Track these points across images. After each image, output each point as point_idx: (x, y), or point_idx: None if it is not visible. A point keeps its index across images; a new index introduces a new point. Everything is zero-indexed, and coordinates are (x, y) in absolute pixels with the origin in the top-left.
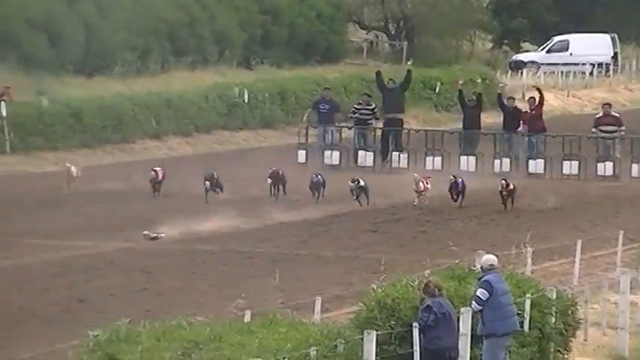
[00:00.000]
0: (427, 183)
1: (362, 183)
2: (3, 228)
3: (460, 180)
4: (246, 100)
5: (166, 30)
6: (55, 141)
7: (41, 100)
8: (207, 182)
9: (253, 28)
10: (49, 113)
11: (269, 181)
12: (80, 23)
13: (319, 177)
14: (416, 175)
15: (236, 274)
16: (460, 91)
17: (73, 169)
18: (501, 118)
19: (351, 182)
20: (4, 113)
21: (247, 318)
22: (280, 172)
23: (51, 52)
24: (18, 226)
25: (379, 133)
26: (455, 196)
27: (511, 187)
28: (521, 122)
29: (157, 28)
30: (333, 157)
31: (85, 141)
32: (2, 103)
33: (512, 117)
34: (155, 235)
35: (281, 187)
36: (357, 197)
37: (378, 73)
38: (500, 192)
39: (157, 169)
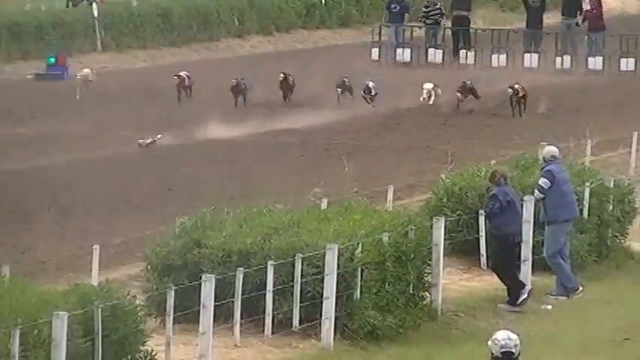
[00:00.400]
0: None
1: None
2: (100, 121)
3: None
4: (323, 2)
5: None
6: (144, 39)
7: (131, 0)
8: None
9: None
10: (138, 13)
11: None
12: None
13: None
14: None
15: (314, 164)
16: None
17: (87, 71)
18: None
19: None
20: (96, 14)
21: (324, 205)
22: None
23: None
24: (114, 119)
25: (448, 32)
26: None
27: (520, 94)
28: (582, 20)
29: None
30: (404, 54)
31: (172, 40)
32: (94, 4)
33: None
34: (150, 140)
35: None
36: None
37: None
38: (510, 98)
39: (182, 73)
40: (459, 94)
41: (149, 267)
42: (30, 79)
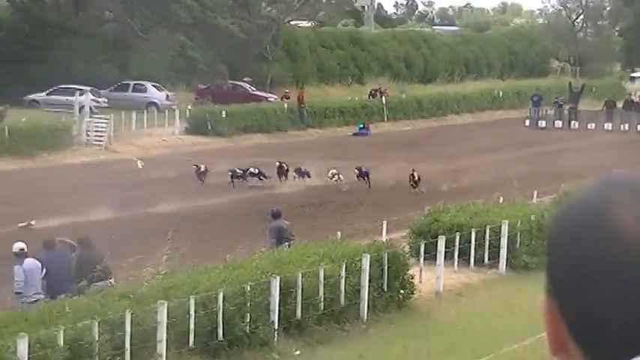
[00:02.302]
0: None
1: None
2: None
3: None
4: (500, 93)
5: None
6: (408, 114)
7: (402, 94)
8: None
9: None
10: (406, 101)
11: None
12: None
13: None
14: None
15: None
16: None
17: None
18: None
19: None
20: (384, 101)
21: None
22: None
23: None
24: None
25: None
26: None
27: (416, 177)
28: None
29: None
30: (541, 123)
31: (432, 112)
32: (383, 97)
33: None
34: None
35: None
36: None
37: (570, 83)
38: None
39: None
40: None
41: None
42: (350, 137)
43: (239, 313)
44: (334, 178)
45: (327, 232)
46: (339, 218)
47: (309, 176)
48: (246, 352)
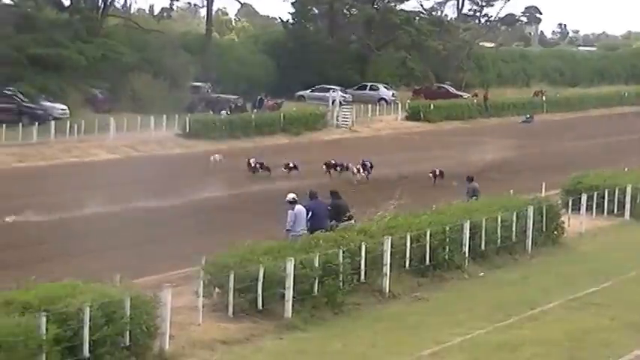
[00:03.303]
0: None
1: None
2: None
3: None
4: (626, 94)
5: None
6: (561, 108)
7: (557, 94)
8: None
9: None
10: (559, 99)
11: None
12: None
13: None
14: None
15: None
16: None
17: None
18: None
19: None
20: (544, 99)
21: None
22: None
23: None
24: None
25: None
26: None
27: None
28: None
29: None
30: None
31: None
32: (543, 96)
33: None
34: None
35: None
36: None
37: None
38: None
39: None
40: None
41: None
42: (519, 123)
43: (441, 245)
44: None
45: (505, 189)
46: (512, 179)
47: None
48: (445, 273)
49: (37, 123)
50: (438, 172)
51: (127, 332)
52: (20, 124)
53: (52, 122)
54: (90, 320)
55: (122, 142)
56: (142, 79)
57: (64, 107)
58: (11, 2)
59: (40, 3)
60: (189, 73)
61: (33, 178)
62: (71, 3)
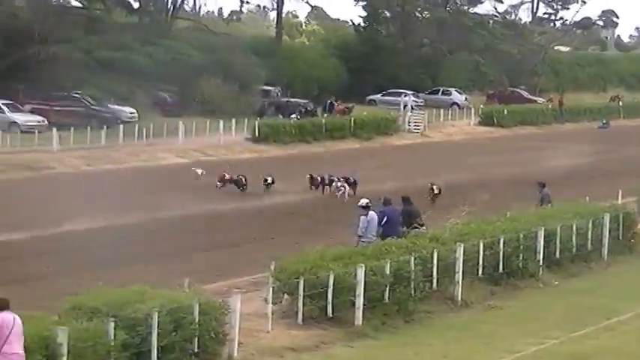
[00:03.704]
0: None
1: None
2: None
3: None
4: None
5: None
6: (638, 114)
7: (634, 99)
8: None
9: None
10: (636, 105)
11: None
12: None
13: None
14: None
15: None
16: None
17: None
18: None
19: None
20: (620, 104)
21: None
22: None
23: None
24: None
25: None
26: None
27: (436, 191)
28: None
29: None
30: None
31: None
32: (619, 101)
33: None
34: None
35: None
36: None
37: None
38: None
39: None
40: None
41: None
42: (595, 129)
43: (515, 253)
44: None
45: (579, 196)
46: (587, 185)
47: None
48: (519, 281)
49: (105, 126)
50: (437, 190)
51: (196, 338)
52: (89, 128)
53: (121, 126)
54: (158, 326)
55: (191, 146)
56: (211, 82)
57: (133, 110)
58: (80, 5)
59: (109, 5)
60: (259, 77)
61: (101, 181)
62: (140, 5)
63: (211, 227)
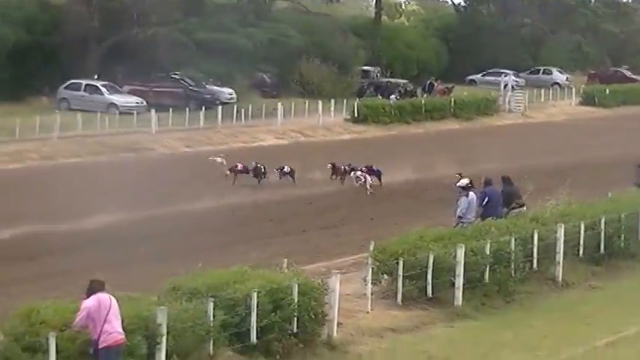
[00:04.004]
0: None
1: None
2: None
3: None
4: None
5: None
6: None
7: None
8: None
9: None
10: None
11: None
12: None
13: None
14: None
15: None
16: None
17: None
18: None
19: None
20: None
21: None
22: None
23: None
24: None
25: None
26: None
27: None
28: None
29: None
30: None
31: None
32: None
33: None
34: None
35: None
36: None
37: None
38: None
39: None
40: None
41: None
42: None
43: (616, 234)
44: None
45: None
46: None
47: None
48: (620, 262)
49: (203, 108)
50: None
51: (295, 319)
52: (187, 109)
53: (219, 107)
54: (257, 306)
55: (290, 127)
56: (310, 63)
57: (232, 92)
58: None
59: None
60: (358, 58)
61: (200, 162)
62: None
63: (310, 209)
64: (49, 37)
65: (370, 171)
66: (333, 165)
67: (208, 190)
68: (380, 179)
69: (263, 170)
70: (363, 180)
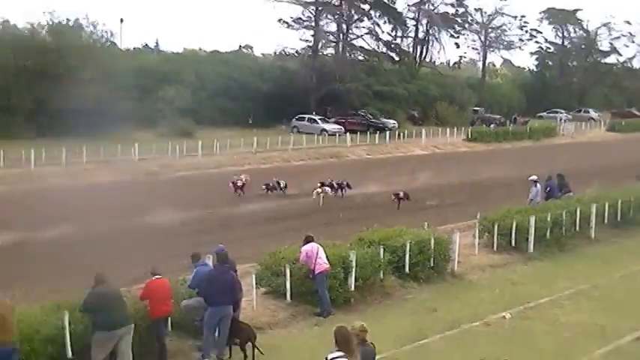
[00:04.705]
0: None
1: None
2: None
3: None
4: None
5: None
6: None
7: None
8: None
9: None
10: None
11: None
12: None
13: None
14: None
15: None
16: None
17: (243, 177)
18: None
19: None
20: None
21: None
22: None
23: None
24: None
25: None
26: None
27: (401, 195)
28: None
29: None
30: None
31: None
32: None
33: None
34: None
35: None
36: None
37: None
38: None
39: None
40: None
41: None
42: None
43: (628, 209)
44: None
45: None
46: None
47: None
48: (630, 227)
49: (378, 132)
50: (402, 195)
51: (432, 258)
52: (368, 133)
53: (387, 132)
54: (409, 251)
55: (430, 144)
56: (442, 105)
57: (395, 122)
58: (363, 58)
59: (381, 59)
60: (471, 102)
61: (378, 163)
62: (399, 59)
63: (444, 191)
64: (287, 89)
65: (340, 186)
66: (322, 183)
67: (377, 179)
68: (341, 193)
69: (281, 186)
70: (323, 193)
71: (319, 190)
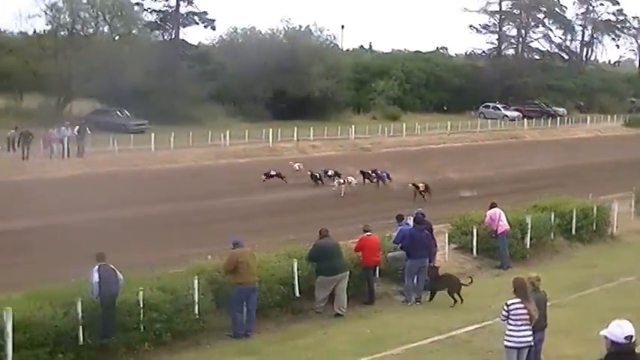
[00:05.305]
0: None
1: None
2: None
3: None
4: None
5: None
6: None
7: None
8: None
9: None
10: None
11: None
12: None
13: None
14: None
15: None
16: None
17: (295, 166)
18: None
19: None
20: None
21: None
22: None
23: None
24: None
25: None
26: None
27: (421, 187)
28: None
29: None
30: None
31: None
32: None
33: None
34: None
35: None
36: None
37: None
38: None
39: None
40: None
41: None
42: None
43: None
44: None
45: None
46: None
47: None
48: None
49: (550, 118)
50: (422, 188)
51: (594, 223)
52: (542, 119)
53: (558, 118)
54: (575, 216)
55: (594, 127)
56: (604, 96)
57: (564, 109)
58: (538, 58)
59: (553, 58)
60: (629, 94)
61: (551, 145)
62: (568, 58)
63: (605, 167)
64: (475, 82)
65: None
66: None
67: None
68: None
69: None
70: (344, 184)
71: (341, 180)
